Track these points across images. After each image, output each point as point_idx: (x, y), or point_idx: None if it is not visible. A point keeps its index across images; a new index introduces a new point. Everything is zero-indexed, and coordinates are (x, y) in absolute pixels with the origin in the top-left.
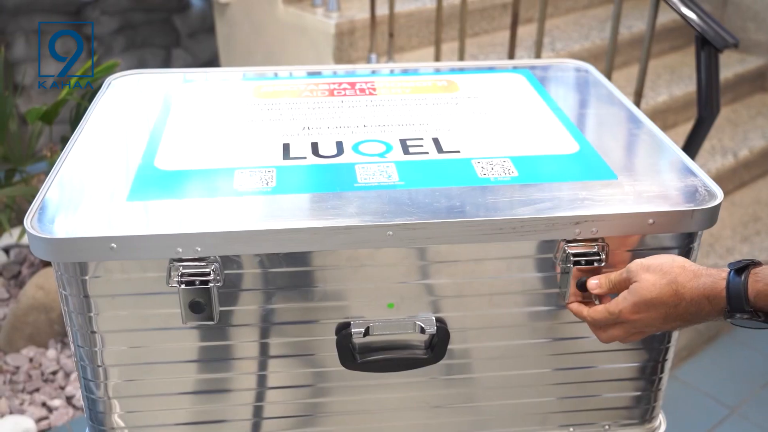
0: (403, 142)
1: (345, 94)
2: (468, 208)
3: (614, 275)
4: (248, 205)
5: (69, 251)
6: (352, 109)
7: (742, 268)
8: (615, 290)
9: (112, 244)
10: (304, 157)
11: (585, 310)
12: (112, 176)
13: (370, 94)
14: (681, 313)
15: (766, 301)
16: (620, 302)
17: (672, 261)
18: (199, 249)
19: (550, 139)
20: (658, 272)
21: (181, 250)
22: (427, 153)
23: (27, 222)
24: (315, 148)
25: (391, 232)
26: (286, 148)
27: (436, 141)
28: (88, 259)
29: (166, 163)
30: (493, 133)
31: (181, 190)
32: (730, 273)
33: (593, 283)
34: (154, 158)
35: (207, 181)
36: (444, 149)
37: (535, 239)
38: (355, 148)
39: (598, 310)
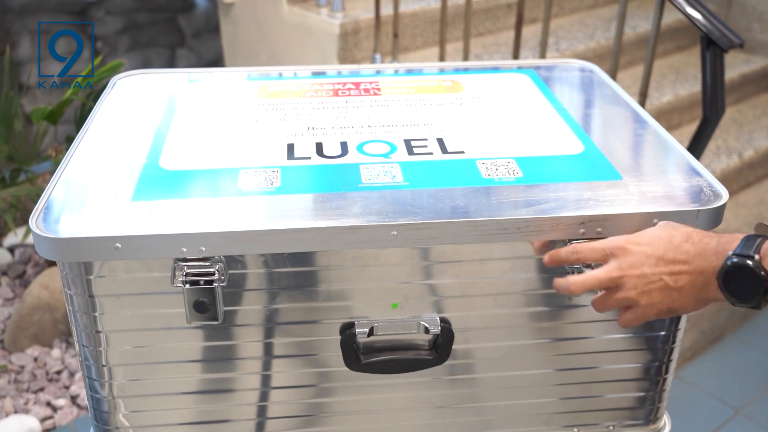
0: (407, 142)
1: (349, 94)
2: (472, 208)
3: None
4: (253, 205)
5: (74, 251)
6: (356, 109)
7: (761, 235)
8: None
9: (117, 244)
10: (309, 158)
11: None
12: (117, 176)
13: (375, 94)
14: (680, 257)
15: (765, 260)
16: (617, 237)
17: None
18: (204, 249)
19: (555, 139)
20: (676, 225)
21: (185, 249)
22: (431, 153)
23: (32, 222)
24: (319, 148)
25: (395, 233)
26: (290, 148)
27: (440, 141)
28: (93, 259)
29: (171, 163)
30: (497, 134)
31: (186, 190)
32: (749, 234)
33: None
34: (158, 158)
35: (211, 181)
36: (448, 150)
37: (540, 239)
38: (360, 148)
39: (590, 242)
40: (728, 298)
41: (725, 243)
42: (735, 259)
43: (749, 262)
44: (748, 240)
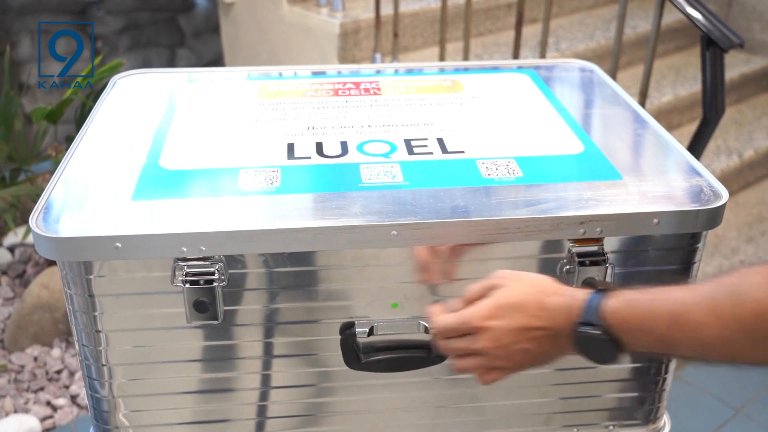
0: (407, 142)
1: (349, 94)
2: (472, 208)
3: (475, 286)
4: (253, 205)
5: (74, 250)
6: (356, 108)
7: (604, 290)
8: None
9: (117, 244)
10: (309, 157)
11: (435, 314)
12: (117, 176)
13: (375, 94)
14: (537, 324)
15: (614, 318)
16: (477, 306)
17: (539, 276)
18: (204, 248)
19: (555, 139)
20: (525, 280)
21: (185, 249)
22: (431, 153)
23: (32, 221)
24: (319, 148)
25: (395, 232)
26: (290, 148)
27: (440, 141)
28: (93, 258)
29: (171, 163)
30: (497, 134)
31: (186, 189)
32: (593, 291)
33: (434, 309)
34: (158, 158)
35: (211, 180)
36: (448, 149)
37: (540, 239)
38: (360, 148)
39: (448, 316)
40: (588, 359)
41: (572, 306)
42: (581, 329)
43: (590, 329)
44: (591, 305)
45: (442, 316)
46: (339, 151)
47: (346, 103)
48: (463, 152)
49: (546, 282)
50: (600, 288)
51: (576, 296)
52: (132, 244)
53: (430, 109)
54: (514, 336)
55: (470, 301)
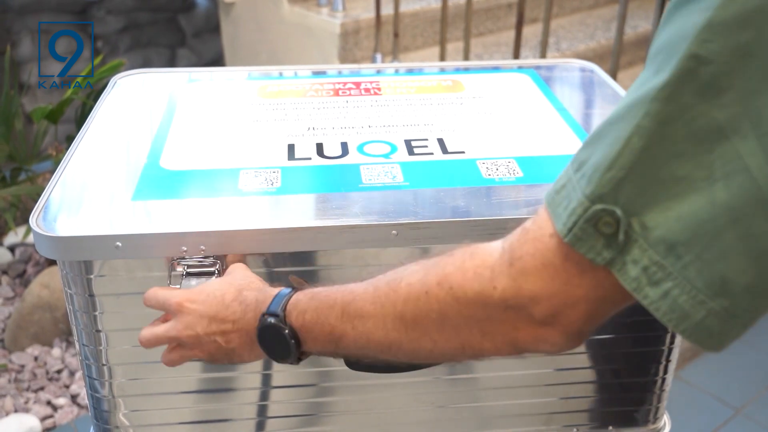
0: (407, 142)
1: (350, 94)
2: (473, 208)
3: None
4: (253, 205)
5: (74, 250)
6: (357, 109)
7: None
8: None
9: (117, 243)
10: (309, 158)
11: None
12: (117, 176)
13: (375, 94)
14: (228, 316)
15: (296, 310)
16: (182, 289)
17: (251, 274)
18: (204, 248)
19: (555, 139)
20: (240, 275)
21: (185, 249)
22: (432, 154)
23: (32, 220)
24: (320, 148)
25: (395, 232)
26: (291, 148)
27: (440, 141)
28: (93, 258)
29: (171, 163)
30: (497, 134)
31: (186, 190)
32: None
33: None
34: (159, 158)
35: (212, 181)
36: (449, 150)
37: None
38: (360, 149)
39: (159, 292)
40: (269, 356)
41: (263, 301)
42: (264, 319)
43: (272, 320)
44: (279, 297)
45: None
46: (339, 152)
47: (347, 103)
48: (463, 152)
49: (251, 278)
50: (296, 285)
51: (269, 290)
52: (132, 243)
53: (431, 109)
54: (206, 325)
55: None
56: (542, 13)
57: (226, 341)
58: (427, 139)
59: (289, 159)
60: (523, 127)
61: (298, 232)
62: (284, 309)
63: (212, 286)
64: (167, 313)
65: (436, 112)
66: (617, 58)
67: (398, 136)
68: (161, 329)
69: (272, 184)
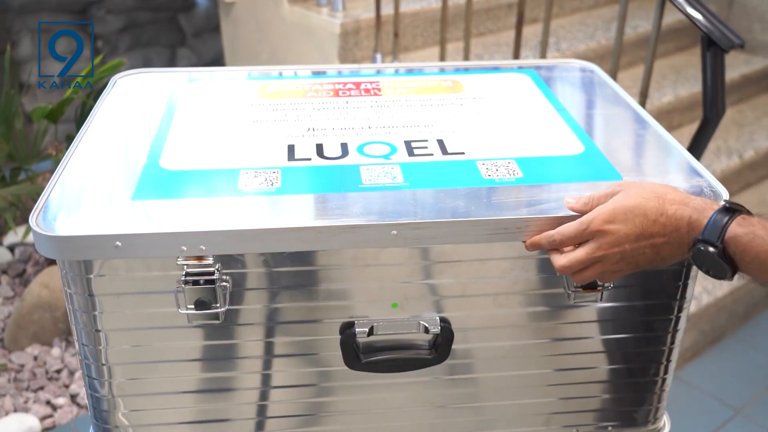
0: (407, 143)
1: (350, 95)
2: (473, 208)
3: (598, 193)
4: (253, 205)
5: (73, 249)
6: (356, 110)
7: (732, 210)
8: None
9: (117, 243)
10: (309, 159)
11: (550, 231)
12: (117, 175)
13: (375, 94)
14: (658, 230)
15: (737, 246)
16: (596, 210)
17: (664, 185)
18: (204, 248)
19: (555, 139)
20: (647, 188)
21: (185, 248)
22: (431, 155)
23: (32, 220)
24: (320, 149)
25: (395, 232)
26: (291, 149)
27: (440, 143)
28: (93, 257)
29: (171, 163)
30: (497, 134)
31: (186, 189)
32: (721, 207)
33: (569, 201)
34: (159, 158)
35: (212, 181)
36: (449, 150)
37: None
38: (360, 149)
39: (567, 225)
40: (702, 271)
41: (697, 220)
42: (700, 246)
43: (712, 249)
44: (716, 222)
45: (561, 227)
46: (339, 153)
47: (347, 104)
48: (463, 153)
49: (667, 189)
50: (726, 206)
51: (696, 204)
52: (132, 243)
53: (431, 110)
54: (634, 241)
55: (590, 210)
56: (542, 13)
57: (656, 252)
58: (426, 140)
59: (289, 159)
60: (523, 127)
61: (297, 233)
62: (722, 241)
63: (627, 203)
64: (579, 241)
65: (436, 113)
66: (617, 58)
67: (398, 137)
68: (582, 253)
69: (272, 185)
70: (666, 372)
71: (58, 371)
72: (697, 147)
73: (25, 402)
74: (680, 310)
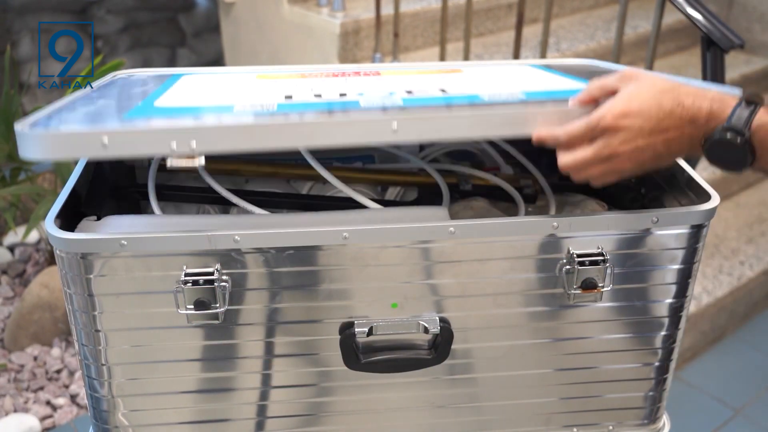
0: (408, 92)
1: (350, 75)
2: (476, 108)
3: (602, 80)
4: (248, 118)
5: (63, 146)
6: (356, 83)
7: (753, 101)
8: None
9: (104, 139)
10: (307, 101)
11: (556, 130)
12: (111, 110)
13: (375, 75)
14: (673, 123)
15: (766, 134)
16: (606, 105)
17: (668, 76)
18: (194, 145)
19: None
20: (658, 76)
21: (175, 145)
22: (433, 96)
23: (19, 126)
24: (318, 96)
25: (395, 124)
26: (288, 97)
27: (443, 90)
28: (97, 250)
29: (166, 103)
30: (501, 83)
31: (179, 114)
32: (743, 97)
33: (574, 99)
34: (154, 101)
35: (205, 110)
36: (450, 93)
37: (539, 239)
38: (360, 94)
39: (575, 122)
40: (712, 163)
41: (718, 110)
42: (726, 135)
43: (739, 139)
44: (741, 110)
45: (567, 125)
46: (338, 97)
47: (346, 80)
48: (467, 91)
49: (678, 80)
50: (748, 99)
51: (721, 100)
52: (119, 140)
53: (432, 77)
54: (647, 136)
55: (596, 99)
56: (542, 14)
57: (667, 147)
58: (428, 90)
59: (286, 99)
60: (527, 80)
61: (294, 127)
62: (749, 128)
63: (640, 96)
64: (591, 136)
65: (437, 77)
66: (617, 58)
67: (398, 88)
68: (590, 152)
69: (268, 110)
70: (666, 371)
71: (58, 371)
72: None
73: (25, 402)
74: (680, 310)
